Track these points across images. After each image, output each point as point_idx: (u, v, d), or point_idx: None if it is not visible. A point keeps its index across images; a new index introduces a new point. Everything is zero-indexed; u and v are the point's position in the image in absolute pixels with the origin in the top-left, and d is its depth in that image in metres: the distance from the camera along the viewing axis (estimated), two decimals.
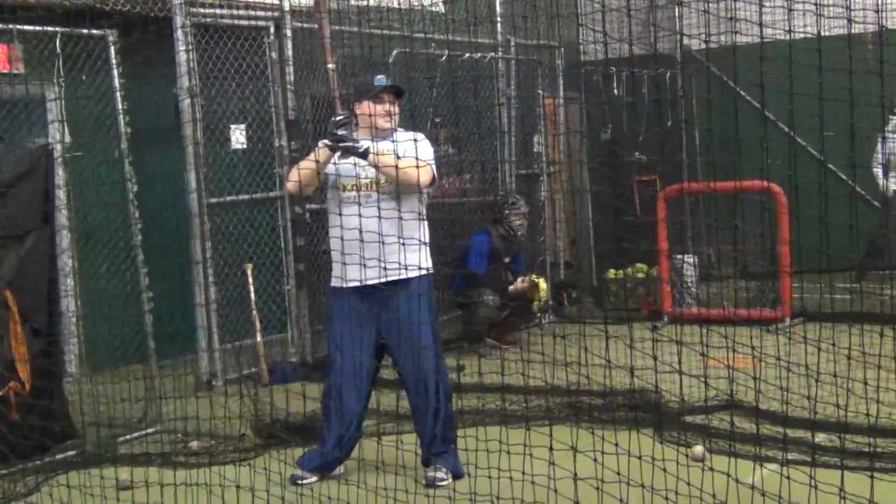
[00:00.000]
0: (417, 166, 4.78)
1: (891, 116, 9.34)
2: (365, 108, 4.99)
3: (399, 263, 4.78)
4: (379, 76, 5.08)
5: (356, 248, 4.77)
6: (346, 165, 4.95)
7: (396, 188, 4.85)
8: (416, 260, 4.85)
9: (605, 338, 3.98)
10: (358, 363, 4.97)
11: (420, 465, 5.08)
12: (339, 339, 5.01)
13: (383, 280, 4.83)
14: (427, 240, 5.02)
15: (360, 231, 4.70)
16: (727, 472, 3.65)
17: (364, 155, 4.82)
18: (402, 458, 4.88)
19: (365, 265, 4.76)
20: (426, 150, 4.93)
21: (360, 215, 4.73)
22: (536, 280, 8.60)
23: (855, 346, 3.90)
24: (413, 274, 4.84)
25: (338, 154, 4.90)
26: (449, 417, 5.06)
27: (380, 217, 4.76)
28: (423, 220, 5.03)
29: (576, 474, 3.80)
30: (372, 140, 4.86)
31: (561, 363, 4.50)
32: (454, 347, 8.21)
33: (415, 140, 4.82)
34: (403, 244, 4.75)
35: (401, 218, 4.76)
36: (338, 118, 4.86)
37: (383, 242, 4.71)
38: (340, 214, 4.91)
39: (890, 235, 9.18)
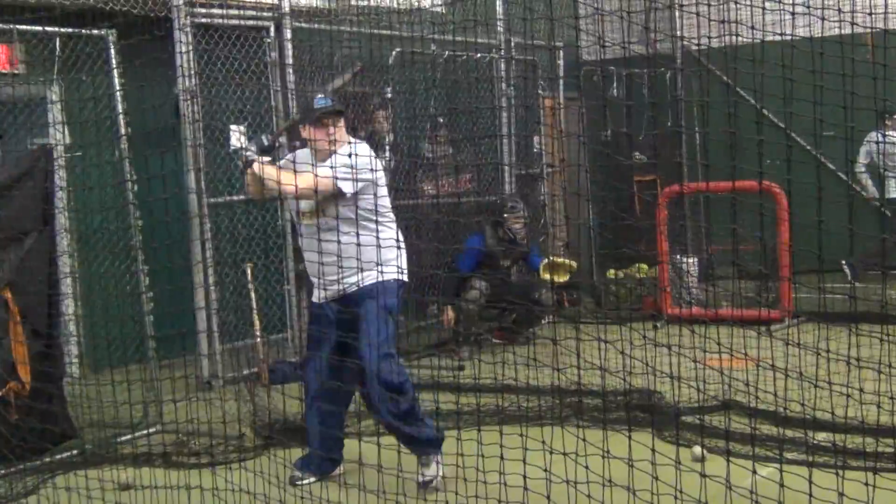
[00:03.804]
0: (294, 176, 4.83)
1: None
2: (308, 131, 5.05)
3: (345, 283, 4.90)
4: (319, 98, 5.07)
5: (312, 271, 5.06)
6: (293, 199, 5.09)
7: (336, 211, 4.86)
8: (371, 271, 4.86)
9: (600, 342, 3.98)
10: (321, 365, 5.09)
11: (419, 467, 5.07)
12: (309, 344, 5.27)
13: (332, 299, 5.01)
14: (392, 250, 4.94)
15: (305, 253, 4.99)
16: (727, 472, 3.65)
17: (246, 166, 5.04)
18: (401, 460, 4.87)
19: (322, 287, 5.02)
20: (363, 162, 4.88)
21: (302, 238, 5.03)
22: (559, 261, 8.50)
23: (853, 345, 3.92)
24: (367, 282, 4.91)
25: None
26: (406, 412, 4.98)
27: (319, 239, 4.88)
28: (388, 226, 5.00)
29: (582, 468, 3.80)
30: (314, 162, 4.93)
31: (562, 366, 4.49)
32: (444, 351, 8.25)
33: (351, 154, 4.80)
34: (341, 267, 4.78)
35: (339, 241, 4.74)
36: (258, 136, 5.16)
37: (322, 263, 4.85)
38: (300, 240, 5.17)
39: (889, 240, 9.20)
